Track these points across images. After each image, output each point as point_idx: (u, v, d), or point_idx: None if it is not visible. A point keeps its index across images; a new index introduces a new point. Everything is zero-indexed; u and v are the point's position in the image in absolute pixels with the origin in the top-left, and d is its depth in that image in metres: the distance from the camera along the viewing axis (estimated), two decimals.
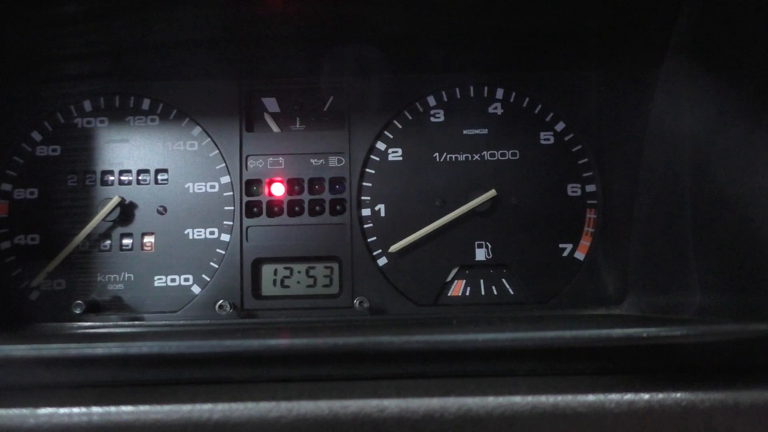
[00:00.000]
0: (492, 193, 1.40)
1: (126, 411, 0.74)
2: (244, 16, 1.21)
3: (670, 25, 1.07)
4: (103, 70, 1.43)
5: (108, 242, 1.42)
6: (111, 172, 1.44)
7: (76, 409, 0.74)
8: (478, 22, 1.30)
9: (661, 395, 0.73)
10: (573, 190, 1.43)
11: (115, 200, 1.40)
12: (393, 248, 1.40)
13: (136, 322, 1.39)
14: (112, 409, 0.74)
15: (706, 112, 1.00)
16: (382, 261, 1.42)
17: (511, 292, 1.41)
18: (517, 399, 0.74)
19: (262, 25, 1.27)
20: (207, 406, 0.74)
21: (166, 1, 1.17)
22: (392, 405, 0.73)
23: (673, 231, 1.10)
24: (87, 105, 1.45)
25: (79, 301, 1.34)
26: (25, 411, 0.74)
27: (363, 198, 1.44)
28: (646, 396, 0.74)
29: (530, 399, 0.74)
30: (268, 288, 1.42)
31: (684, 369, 0.79)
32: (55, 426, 0.73)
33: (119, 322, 1.38)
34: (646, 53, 1.20)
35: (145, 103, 1.46)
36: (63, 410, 0.74)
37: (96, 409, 0.74)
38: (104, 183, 1.44)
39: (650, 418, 0.73)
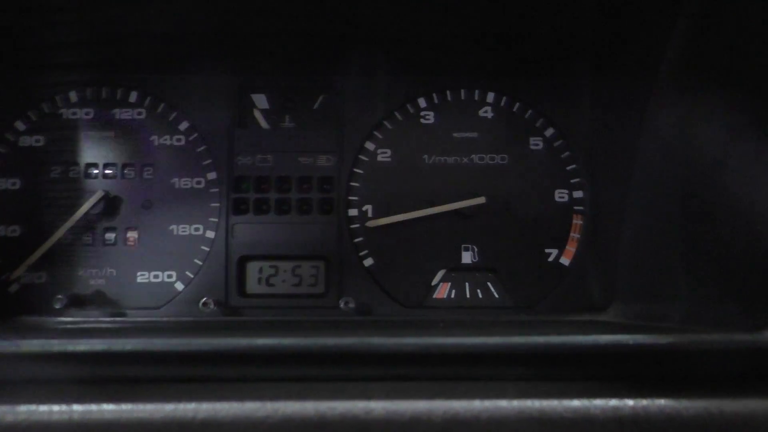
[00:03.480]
0: (481, 200, 1.40)
1: (108, 409, 0.73)
2: (238, 9, 1.20)
3: (666, 34, 1.08)
4: (90, 61, 1.40)
5: (91, 236, 1.39)
6: (95, 165, 1.42)
7: (56, 407, 0.73)
8: (472, 26, 1.30)
9: (645, 402, 0.74)
10: (560, 195, 1.44)
11: (99, 194, 1.38)
12: (370, 223, 1.40)
13: (118, 318, 1.36)
14: (94, 407, 0.73)
15: (701, 121, 1.01)
16: (369, 261, 1.41)
17: (496, 296, 1.42)
18: (504, 403, 0.74)
19: (255, 21, 1.25)
20: (191, 406, 0.73)
21: None
22: (379, 407, 0.73)
23: (662, 239, 1.11)
24: (73, 95, 1.43)
25: (60, 296, 1.32)
26: (3, 408, 0.72)
27: (351, 198, 1.43)
28: (630, 402, 0.74)
29: (516, 403, 0.74)
30: (252, 286, 1.40)
31: (669, 377, 0.80)
32: (34, 423, 0.72)
33: (101, 318, 1.36)
34: (640, 60, 1.20)
35: (133, 96, 1.43)
36: (43, 407, 0.73)
37: (77, 407, 0.73)
38: (88, 176, 1.41)
39: (635, 424, 0.73)
